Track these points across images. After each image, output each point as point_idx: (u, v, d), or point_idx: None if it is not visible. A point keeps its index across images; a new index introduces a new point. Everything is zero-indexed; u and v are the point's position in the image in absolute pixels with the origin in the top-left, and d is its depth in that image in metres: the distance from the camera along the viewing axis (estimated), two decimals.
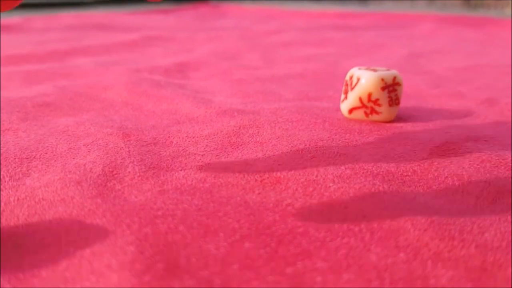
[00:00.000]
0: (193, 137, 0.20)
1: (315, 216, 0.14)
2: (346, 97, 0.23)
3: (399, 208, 0.14)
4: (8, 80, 0.31)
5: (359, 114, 0.23)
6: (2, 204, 0.15)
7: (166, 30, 0.60)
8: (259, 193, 0.16)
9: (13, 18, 0.71)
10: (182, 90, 0.28)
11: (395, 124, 0.22)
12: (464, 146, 0.19)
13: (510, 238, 0.13)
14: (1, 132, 0.21)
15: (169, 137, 0.20)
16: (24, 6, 0.96)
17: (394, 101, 0.22)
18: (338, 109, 0.25)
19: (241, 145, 0.19)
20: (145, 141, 0.20)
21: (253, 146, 0.19)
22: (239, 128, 0.21)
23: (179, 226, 0.13)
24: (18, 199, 0.15)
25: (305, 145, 0.19)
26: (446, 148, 0.19)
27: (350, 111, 0.23)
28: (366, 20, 0.78)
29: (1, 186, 0.16)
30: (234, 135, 0.21)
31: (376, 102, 0.22)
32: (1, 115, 0.23)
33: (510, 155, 0.18)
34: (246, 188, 0.16)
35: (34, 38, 0.51)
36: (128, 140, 0.20)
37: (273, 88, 0.30)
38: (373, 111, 0.22)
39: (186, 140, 0.20)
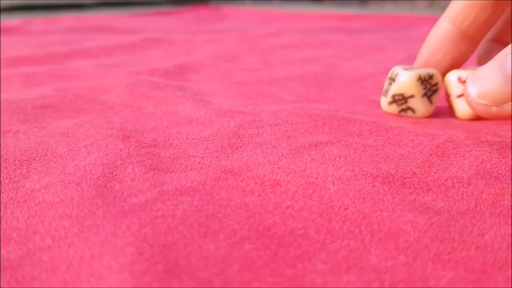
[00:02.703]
0: (193, 139, 0.20)
1: (315, 218, 0.14)
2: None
3: (399, 210, 0.14)
4: (8, 82, 0.31)
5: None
6: (2, 206, 0.15)
7: (165, 32, 0.60)
8: (259, 195, 0.16)
9: (13, 20, 0.71)
10: (181, 92, 0.28)
11: (394, 125, 0.22)
12: (464, 147, 0.19)
13: (510, 239, 0.13)
14: (1, 134, 0.21)
15: (169, 138, 0.20)
16: (23, 9, 0.96)
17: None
18: (338, 111, 0.25)
19: (241, 146, 0.19)
20: (145, 143, 0.20)
21: (253, 148, 0.19)
22: (239, 129, 0.21)
23: (179, 227, 0.13)
24: (18, 201, 0.15)
25: (305, 147, 0.19)
26: (446, 149, 0.19)
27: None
28: (365, 22, 0.78)
29: (1, 188, 0.16)
30: (234, 136, 0.21)
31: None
32: (1, 117, 0.23)
33: (510, 156, 0.18)
34: (246, 190, 0.16)
35: (34, 41, 0.51)
36: (128, 142, 0.20)
37: (273, 90, 0.30)
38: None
39: (185, 142, 0.20)
